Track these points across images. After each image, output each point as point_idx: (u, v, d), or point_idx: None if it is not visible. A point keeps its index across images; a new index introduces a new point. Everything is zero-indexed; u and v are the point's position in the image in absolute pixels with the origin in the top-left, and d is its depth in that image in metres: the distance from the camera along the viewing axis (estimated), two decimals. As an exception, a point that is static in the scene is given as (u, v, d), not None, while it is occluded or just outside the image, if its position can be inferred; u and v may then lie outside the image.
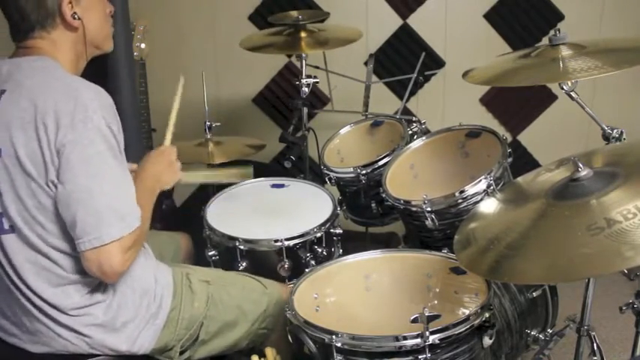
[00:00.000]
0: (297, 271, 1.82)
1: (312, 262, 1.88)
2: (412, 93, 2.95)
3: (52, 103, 1.29)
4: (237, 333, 1.66)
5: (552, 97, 3.10)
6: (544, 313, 1.85)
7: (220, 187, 2.21)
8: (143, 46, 2.59)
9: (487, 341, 1.40)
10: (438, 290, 1.64)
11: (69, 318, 1.40)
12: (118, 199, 1.33)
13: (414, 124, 2.21)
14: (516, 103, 3.14)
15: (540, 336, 1.79)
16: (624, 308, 1.48)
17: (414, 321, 1.33)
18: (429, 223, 1.75)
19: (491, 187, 1.66)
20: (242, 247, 1.85)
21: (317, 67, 2.63)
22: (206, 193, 2.46)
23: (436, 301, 1.63)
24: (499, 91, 3.11)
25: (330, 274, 1.67)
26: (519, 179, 1.52)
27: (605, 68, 1.37)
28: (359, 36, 2.46)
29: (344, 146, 2.35)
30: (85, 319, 1.41)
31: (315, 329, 1.38)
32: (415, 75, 2.61)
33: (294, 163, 2.23)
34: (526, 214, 1.29)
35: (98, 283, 1.42)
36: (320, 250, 1.91)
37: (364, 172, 2.06)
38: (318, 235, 1.90)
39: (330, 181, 2.20)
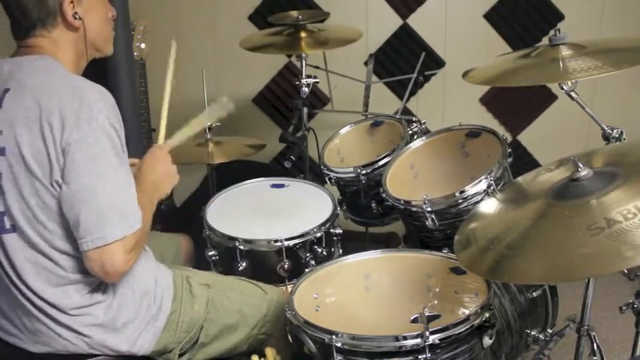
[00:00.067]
0: (297, 271, 1.82)
1: (312, 262, 1.88)
2: (412, 93, 2.95)
3: (57, 102, 1.29)
4: (237, 337, 1.66)
5: (552, 97, 3.10)
6: (544, 313, 1.85)
7: (220, 187, 2.21)
8: (143, 46, 2.59)
9: (487, 341, 1.40)
10: (438, 290, 1.64)
11: (69, 318, 1.40)
12: (121, 198, 1.34)
13: (414, 124, 2.21)
14: (516, 103, 3.14)
15: (540, 336, 1.79)
16: (624, 308, 1.48)
17: (414, 321, 1.33)
18: (429, 223, 1.75)
19: (492, 187, 1.66)
20: (242, 247, 1.85)
21: (317, 67, 2.62)
22: (206, 193, 2.46)
23: (436, 301, 1.63)
24: (499, 91, 3.11)
25: (330, 274, 1.67)
26: (519, 179, 1.52)
27: (605, 68, 1.37)
28: (359, 36, 2.46)
29: (344, 146, 2.35)
30: (85, 319, 1.41)
31: (315, 329, 1.38)
32: (415, 75, 2.61)
33: (294, 163, 2.23)
34: (526, 214, 1.29)
35: (98, 284, 1.42)
36: (320, 250, 1.91)
37: (364, 172, 2.06)
38: (318, 235, 1.90)
39: (330, 181, 2.20)
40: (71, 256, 1.37)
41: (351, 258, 1.70)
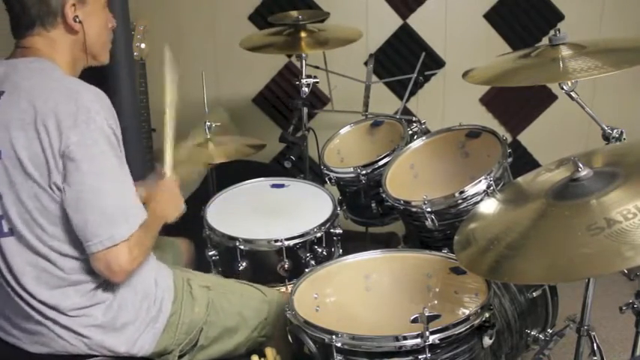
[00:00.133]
0: (297, 271, 1.82)
1: (312, 262, 1.88)
2: (412, 93, 2.95)
3: (53, 105, 1.29)
4: (237, 339, 1.66)
5: (552, 97, 3.10)
6: (544, 313, 1.85)
7: (220, 187, 2.21)
8: (143, 46, 2.58)
9: (487, 341, 1.40)
10: (438, 290, 1.64)
11: (68, 319, 1.40)
12: (123, 199, 1.35)
13: (414, 124, 2.21)
14: (516, 103, 3.14)
15: (540, 336, 1.79)
16: (624, 308, 1.48)
17: (414, 321, 1.33)
18: (429, 223, 1.75)
19: (491, 188, 1.66)
20: (242, 247, 1.85)
21: (317, 67, 2.63)
22: (206, 193, 2.46)
23: (436, 301, 1.63)
24: (499, 91, 3.11)
25: (330, 274, 1.66)
26: (519, 179, 1.52)
27: (605, 68, 1.37)
28: (359, 36, 2.46)
29: (344, 146, 2.35)
30: (84, 319, 1.41)
31: (315, 329, 1.38)
32: (415, 75, 2.61)
33: (294, 163, 2.23)
34: (526, 214, 1.29)
35: (98, 284, 1.42)
36: (320, 250, 1.91)
37: (364, 172, 2.06)
38: (318, 235, 1.90)
39: (330, 181, 2.20)
40: (71, 257, 1.37)
41: (351, 258, 1.70)
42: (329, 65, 2.70)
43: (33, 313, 1.39)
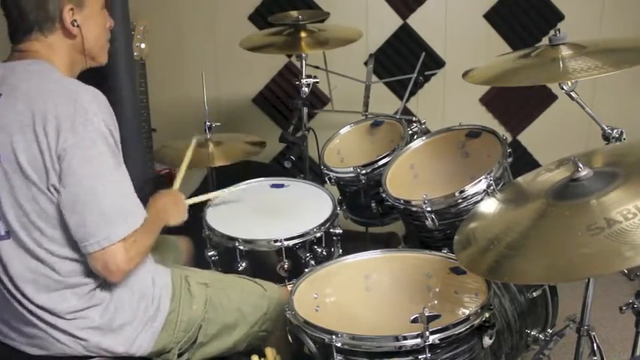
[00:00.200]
0: (296, 271, 1.82)
1: (312, 262, 1.88)
2: (412, 93, 2.95)
3: (52, 107, 1.29)
4: (236, 335, 1.66)
5: (552, 97, 3.10)
6: (544, 313, 1.85)
7: (220, 187, 2.20)
8: (143, 46, 2.58)
9: (487, 341, 1.40)
10: (438, 290, 1.63)
11: (65, 322, 1.39)
12: (121, 199, 1.35)
13: (414, 124, 2.21)
14: (516, 103, 3.14)
15: (540, 336, 1.79)
16: (624, 308, 1.48)
17: (414, 321, 1.33)
18: (429, 223, 1.75)
19: (491, 187, 1.66)
20: (242, 247, 1.85)
21: (317, 67, 2.63)
22: (206, 193, 2.45)
23: (436, 301, 1.63)
24: (499, 91, 3.11)
25: (330, 274, 1.66)
26: (519, 179, 1.52)
27: (605, 68, 1.37)
28: (359, 36, 2.46)
29: (344, 146, 2.35)
30: (81, 322, 1.41)
31: (315, 329, 1.38)
32: (415, 75, 2.61)
33: (294, 163, 2.23)
34: (526, 214, 1.29)
35: (95, 286, 1.42)
36: (320, 250, 1.90)
37: (364, 172, 2.06)
38: (318, 235, 1.90)
39: (330, 181, 2.20)
40: (69, 260, 1.37)
41: (351, 258, 1.70)
42: (329, 65, 2.70)
43: (30, 317, 1.38)
